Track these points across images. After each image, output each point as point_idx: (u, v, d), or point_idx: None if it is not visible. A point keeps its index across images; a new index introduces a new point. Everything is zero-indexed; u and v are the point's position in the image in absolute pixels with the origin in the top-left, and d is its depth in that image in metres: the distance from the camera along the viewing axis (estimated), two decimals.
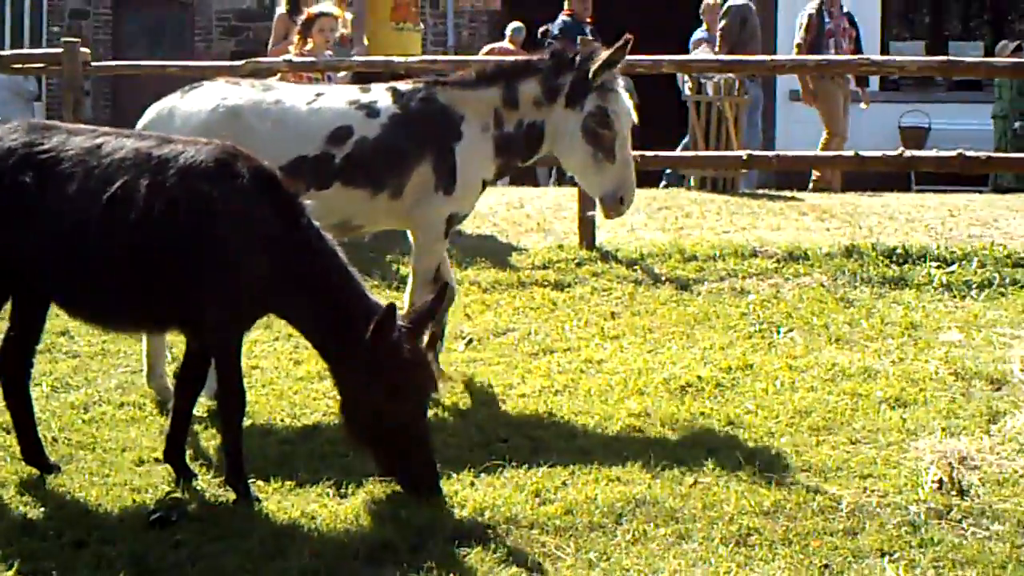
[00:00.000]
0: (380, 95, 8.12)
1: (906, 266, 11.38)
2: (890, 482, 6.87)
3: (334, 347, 6.61)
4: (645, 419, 7.88)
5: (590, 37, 17.11)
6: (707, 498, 6.68)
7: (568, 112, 7.96)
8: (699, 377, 8.53)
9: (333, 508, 6.58)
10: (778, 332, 9.55)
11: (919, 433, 7.56)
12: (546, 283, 10.82)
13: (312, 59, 12.74)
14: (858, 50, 16.34)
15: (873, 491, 6.78)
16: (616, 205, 8.12)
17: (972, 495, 6.71)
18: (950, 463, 6.96)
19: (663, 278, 10.98)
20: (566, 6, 18.18)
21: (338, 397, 6.75)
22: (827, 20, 16.70)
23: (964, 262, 11.56)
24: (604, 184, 8.07)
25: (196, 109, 7.97)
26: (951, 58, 14.90)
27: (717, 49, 16.81)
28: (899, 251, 11.80)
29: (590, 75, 7.86)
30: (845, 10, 17.02)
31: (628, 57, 13.95)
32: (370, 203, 8.00)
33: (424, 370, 6.64)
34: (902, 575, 5.83)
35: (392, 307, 6.40)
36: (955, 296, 10.60)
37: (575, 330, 9.76)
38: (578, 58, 7.99)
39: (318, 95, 8.17)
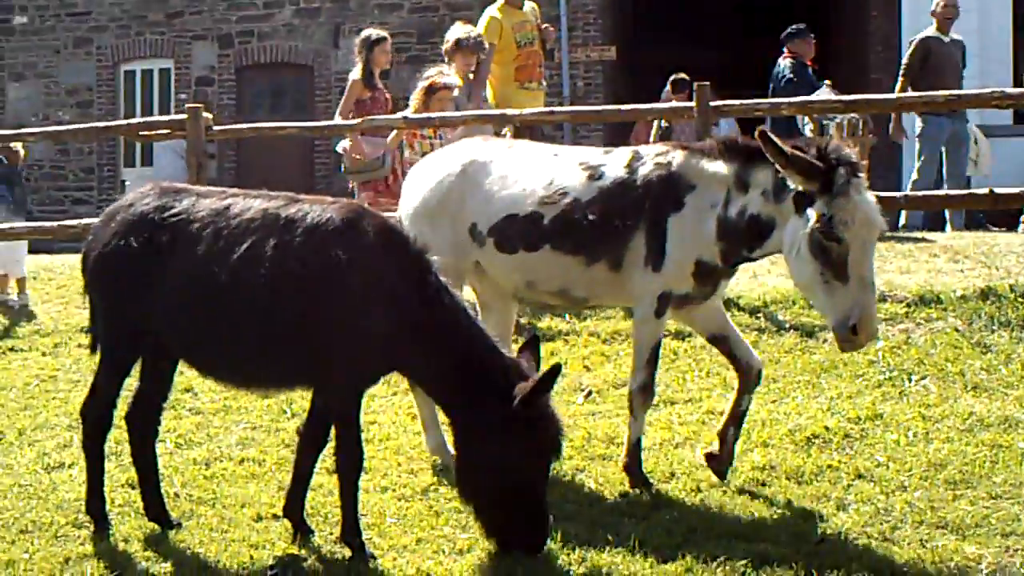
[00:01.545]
0: (616, 157, 7.49)
1: None
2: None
3: (462, 403, 6.52)
4: (770, 472, 7.64)
5: (820, 83, 17.03)
6: (836, 556, 6.42)
7: (796, 218, 6.77)
8: (826, 428, 8.26)
9: (448, 566, 6.46)
10: (909, 380, 9.22)
11: None
12: (667, 332, 10.55)
13: (427, 115, 12.74)
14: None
15: (1017, 550, 6.48)
16: (849, 336, 6.71)
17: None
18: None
19: (787, 325, 10.65)
20: (786, 49, 17.71)
21: (458, 453, 6.63)
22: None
23: None
24: (834, 309, 6.72)
25: (439, 163, 8.00)
26: None
27: (899, 86, 16.33)
28: None
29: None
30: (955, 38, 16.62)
31: (747, 101, 13.93)
32: (586, 273, 7.41)
33: (559, 431, 6.60)
34: None
35: (558, 368, 6.50)
36: None
37: (696, 380, 9.53)
38: (817, 156, 6.71)
39: (555, 155, 7.72)
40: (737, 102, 14.08)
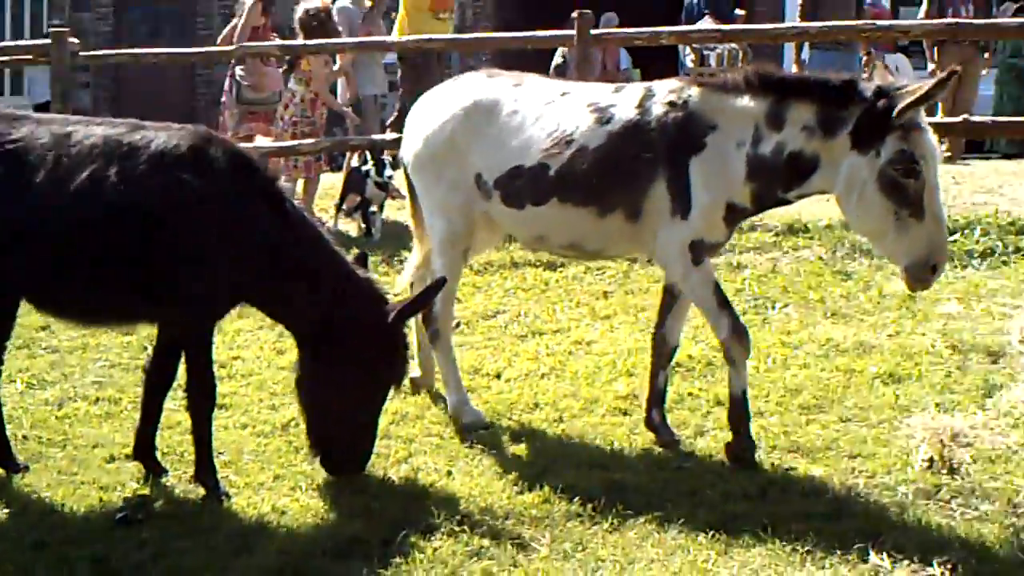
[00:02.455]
0: (626, 97, 6.89)
1: None
2: (879, 462, 6.68)
3: (319, 325, 6.47)
4: (632, 401, 7.69)
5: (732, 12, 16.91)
6: (690, 483, 6.52)
7: (856, 157, 6.30)
8: (690, 356, 8.33)
9: (304, 503, 6.42)
10: (773, 307, 9.35)
11: (912, 410, 7.36)
12: (539, 263, 10.61)
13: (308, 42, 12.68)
14: (988, 15, 15.80)
15: (861, 472, 6.60)
16: (927, 274, 6.37)
17: (963, 473, 6.52)
18: (941, 440, 6.76)
19: None
20: None
21: (303, 370, 6.62)
22: None
23: (966, 231, 11.30)
24: (913, 249, 6.28)
25: (441, 103, 7.47)
26: (959, 20, 14.59)
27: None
28: None
29: (894, 113, 6.16)
30: None
31: (627, 30, 13.92)
32: (600, 224, 6.88)
33: (407, 358, 6.70)
34: (886, 560, 5.62)
35: (441, 282, 6.64)
36: (956, 266, 10.36)
37: (566, 311, 9.57)
38: (869, 91, 6.35)
39: (562, 94, 7.12)
40: (618, 31, 14.11)
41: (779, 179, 6.56)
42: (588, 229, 6.93)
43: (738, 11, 18.02)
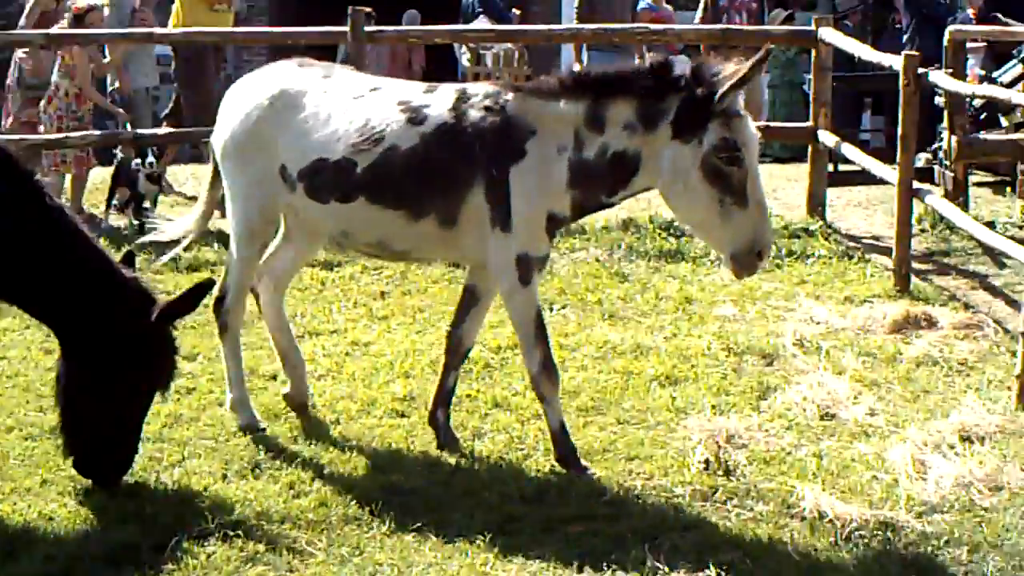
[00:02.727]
0: (440, 97, 6.66)
1: (683, 239, 11.30)
2: (656, 464, 6.73)
3: (79, 322, 6.26)
4: (410, 403, 7.63)
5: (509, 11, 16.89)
6: (468, 485, 6.49)
7: (679, 146, 6.20)
8: (468, 358, 8.26)
9: (73, 508, 6.24)
10: (551, 309, 9.38)
11: (689, 411, 7.45)
12: (315, 263, 10.47)
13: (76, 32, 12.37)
14: (760, 22, 16.06)
15: (638, 474, 6.64)
16: (753, 261, 6.34)
17: (738, 475, 6.61)
18: (717, 442, 6.86)
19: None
20: None
21: (63, 371, 6.39)
22: None
23: None
24: (737, 236, 6.24)
25: (249, 92, 7.17)
26: (728, 26, 14.89)
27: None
28: (676, 224, 11.72)
29: (716, 98, 6.11)
30: None
31: (400, 28, 13.87)
32: (410, 228, 6.64)
33: (173, 359, 6.47)
34: (663, 561, 5.65)
35: (208, 284, 6.42)
36: None
37: (343, 311, 9.48)
38: (687, 77, 6.28)
39: (372, 89, 6.88)
40: (392, 28, 14.03)
41: (604, 184, 6.45)
42: (397, 231, 6.71)
43: (514, 11, 18.08)
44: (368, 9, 12.41)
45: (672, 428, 7.22)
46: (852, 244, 11.63)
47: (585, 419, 7.34)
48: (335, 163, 6.69)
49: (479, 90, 6.67)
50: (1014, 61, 15.03)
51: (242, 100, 7.16)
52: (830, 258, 10.94)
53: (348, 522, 6.09)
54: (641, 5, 16.63)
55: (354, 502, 6.24)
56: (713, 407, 7.47)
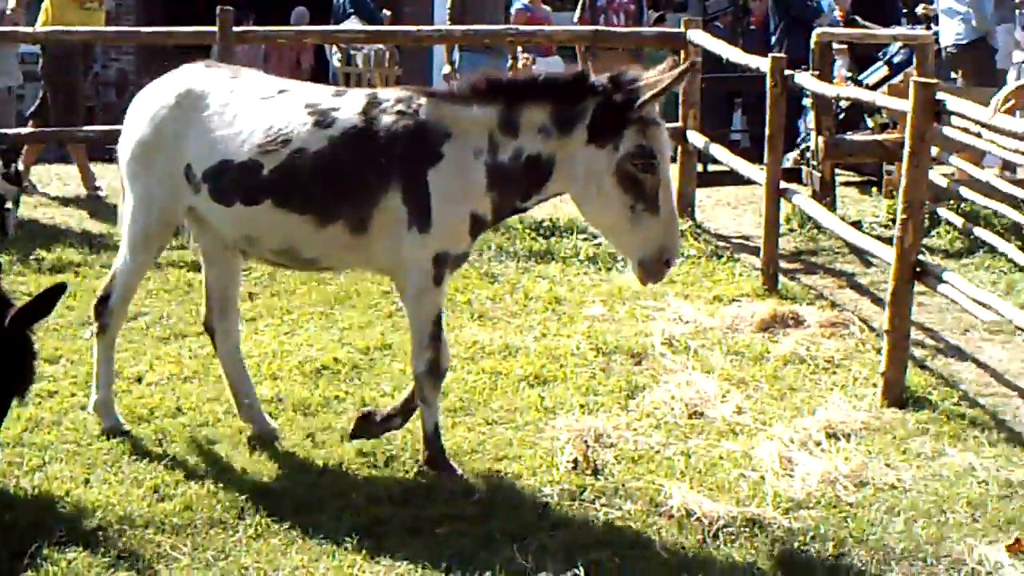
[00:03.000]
0: (349, 101, 6.56)
1: (553, 239, 11.33)
2: (525, 463, 6.72)
3: None
4: (278, 404, 7.55)
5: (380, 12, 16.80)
6: (336, 487, 6.43)
7: (595, 151, 6.20)
8: (336, 359, 8.26)
9: None
10: None
11: (557, 411, 7.44)
12: (183, 264, 10.35)
13: None
14: (638, 23, 16.08)
15: (507, 473, 6.63)
16: (661, 268, 6.36)
17: (606, 474, 6.61)
18: (586, 441, 6.86)
19: None
20: None
21: None
22: None
23: None
24: (647, 243, 6.25)
25: (157, 92, 6.97)
26: (599, 27, 14.93)
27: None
28: (547, 224, 11.80)
29: (635, 106, 6.11)
30: None
31: (270, 28, 13.78)
32: (319, 234, 6.50)
33: (30, 364, 6.28)
34: (531, 561, 5.64)
35: (60, 288, 6.11)
36: (600, 269, 10.62)
37: None
38: (605, 83, 6.25)
39: (280, 91, 6.74)
40: (260, 29, 13.92)
41: (518, 188, 6.41)
42: (305, 237, 6.56)
43: (385, 12, 18.01)
44: (231, 8, 12.26)
45: (541, 428, 7.22)
46: (721, 244, 11.73)
47: (454, 419, 7.31)
48: (240, 164, 6.53)
49: (390, 95, 6.59)
50: (879, 63, 15.28)
51: (149, 102, 6.97)
52: (699, 258, 11.02)
53: (213, 525, 6.01)
54: (516, 6, 16.67)
55: (220, 505, 6.16)
56: (582, 407, 7.48)
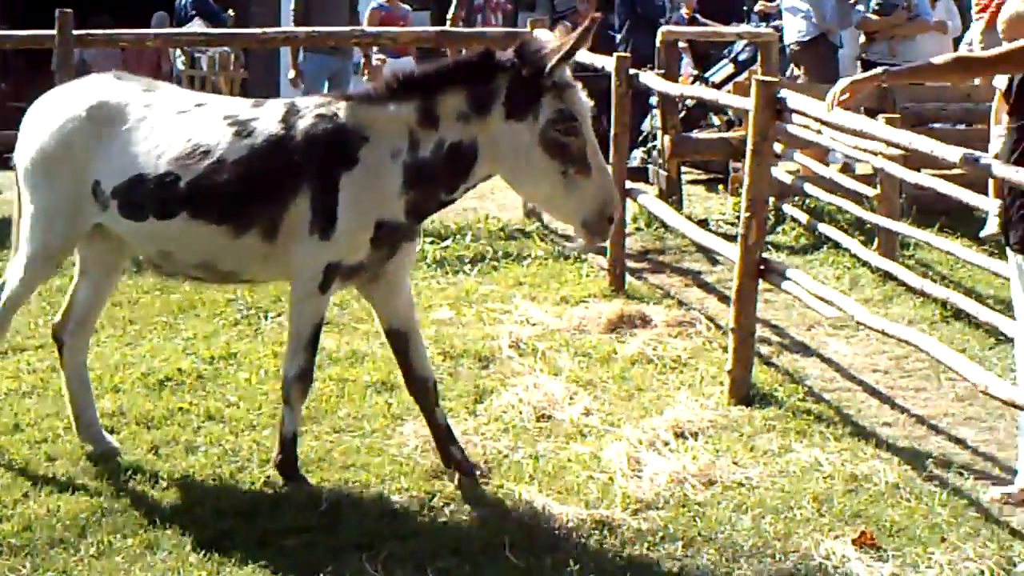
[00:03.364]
0: (268, 111, 6.42)
1: None
2: (373, 471, 6.66)
3: None
4: (120, 418, 7.40)
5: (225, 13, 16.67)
6: (181, 501, 6.32)
7: (515, 125, 6.12)
8: (179, 370, 8.12)
9: None
10: (266, 318, 9.24)
11: (405, 417, 7.39)
12: None
13: None
14: (514, 23, 16.05)
15: (356, 482, 6.56)
16: (605, 226, 6.24)
17: (456, 479, 6.55)
18: (433, 446, 6.79)
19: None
20: None
21: None
22: None
23: (458, 236, 11.58)
24: (585, 204, 6.16)
25: (62, 103, 6.67)
26: (447, 29, 14.95)
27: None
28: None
29: (546, 72, 6.03)
30: None
31: (110, 32, 13.53)
32: (235, 244, 6.35)
33: None
34: (381, 571, 5.59)
35: None
36: (448, 272, 10.60)
37: (49, 324, 9.08)
38: (512, 55, 6.18)
39: (197, 105, 6.58)
40: (101, 32, 13.68)
41: (443, 181, 6.32)
42: (221, 248, 6.40)
43: (229, 12, 17.82)
44: (70, 11, 12.02)
45: (388, 435, 7.16)
46: (568, 245, 11.74)
47: (301, 428, 7.20)
48: (156, 178, 6.33)
49: (309, 102, 6.46)
50: (725, 61, 15.44)
51: (52, 113, 6.69)
52: (546, 259, 11.04)
53: (54, 545, 5.86)
54: (371, 5, 16.60)
55: (60, 524, 6.02)
56: None
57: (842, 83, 6.51)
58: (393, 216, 6.29)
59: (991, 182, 6.56)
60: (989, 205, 6.36)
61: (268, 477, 6.54)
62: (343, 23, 15.14)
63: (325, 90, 15.70)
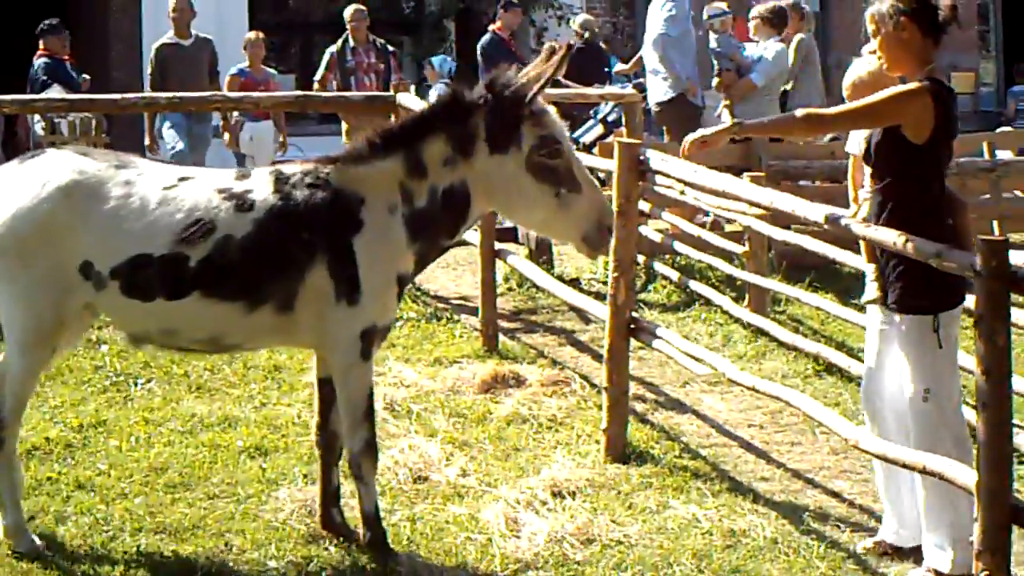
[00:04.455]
0: (259, 181, 6.28)
1: None
2: (249, 537, 6.55)
3: None
4: None
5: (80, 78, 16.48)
6: (47, 573, 6.16)
7: (500, 158, 6.17)
8: (47, 439, 7.93)
9: None
10: (136, 384, 9.08)
11: (280, 482, 7.29)
12: None
13: None
14: (386, 86, 15.97)
15: (231, 548, 6.45)
16: (604, 236, 6.34)
17: (333, 544, 6.47)
18: (310, 512, 6.71)
19: None
20: (41, 46, 17.03)
21: None
22: (349, 57, 16.59)
23: None
24: (582, 220, 6.24)
25: (27, 182, 6.30)
26: (307, 93, 14.92)
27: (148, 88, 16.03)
28: None
29: (526, 101, 6.11)
30: (378, 43, 16.97)
31: None
32: (247, 318, 6.21)
33: None
34: None
35: None
36: None
37: None
38: (483, 91, 6.22)
39: (182, 179, 6.34)
40: None
41: (443, 227, 6.33)
42: (233, 323, 6.25)
43: (84, 76, 17.59)
44: None
45: (263, 500, 7.05)
46: (441, 305, 11.73)
47: (173, 495, 7.10)
48: (162, 258, 6.12)
49: (294, 169, 6.34)
50: (593, 121, 15.56)
51: (19, 192, 6.31)
52: (419, 320, 11.00)
53: None
54: (231, 70, 16.53)
55: None
56: (304, 476, 7.34)
57: (694, 135, 6.59)
58: (407, 269, 6.34)
59: (863, 246, 6.63)
60: (866, 270, 6.44)
61: (140, 547, 6.41)
62: (203, 88, 15.12)
63: (186, 153, 15.62)
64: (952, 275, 5.65)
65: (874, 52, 6.47)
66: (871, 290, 6.41)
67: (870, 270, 6.43)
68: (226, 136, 16.68)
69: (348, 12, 16.97)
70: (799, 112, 6.62)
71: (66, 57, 17.43)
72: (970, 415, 6.31)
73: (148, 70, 16.00)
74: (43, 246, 6.20)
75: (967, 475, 5.23)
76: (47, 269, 6.21)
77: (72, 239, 6.19)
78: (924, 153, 6.03)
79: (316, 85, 16.52)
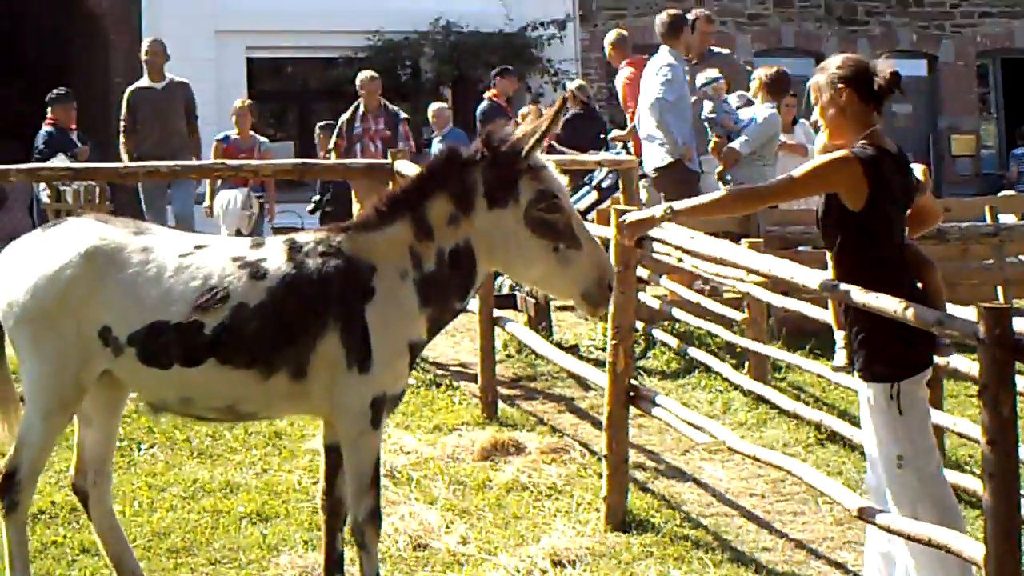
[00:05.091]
0: (273, 250, 6.30)
1: None
2: None
3: None
4: None
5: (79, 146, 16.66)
6: None
7: (498, 212, 6.17)
8: (53, 502, 7.99)
9: None
10: (139, 449, 9.12)
11: (281, 548, 7.34)
12: None
13: None
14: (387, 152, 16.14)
15: None
16: (605, 293, 6.27)
17: None
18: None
19: None
20: (49, 113, 17.27)
21: None
22: (358, 124, 16.74)
23: None
24: (581, 277, 6.19)
25: (49, 249, 6.38)
26: (307, 160, 14.98)
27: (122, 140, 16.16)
28: None
29: (522, 155, 6.11)
30: (390, 108, 17.12)
31: None
32: (262, 386, 6.19)
33: None
34: None
35: None
36: None
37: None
38: (479, 147, 6.25)
39: (197, 247, 6.39)
40: None
41: (454, 289, 6.29)
42: (248, 391, 6.22)
43: (82, 145, 17.74)
44: None
45: (264, 566, 7.09)
46: (440, 372, 11.77)
47: (176, 561, 7.15)
48: (178, 325, 6.14)
49: (307, 238, 6.38)
50: (588, 188, 15.61)
51: (40, 260, 6.39)
52: (418, 387, 11.02)
53: None
54: (216, 137, 16.68)
55: None
56: (305, 543, 7.37)
57: (630, 217, 6.65)
58: (419, 335, 6.28)
59: (831, 312, 6.63)
60: (836, 337, 6.45)
61: None
62: (178, 131, 15.48)
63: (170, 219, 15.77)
64: (914, 341, 5.66)
65: (815, 123, 6.51)
66: (840, 357, 6.41)
67: (839, 337, 6.43)
68: (206, 202, 16.84)
69: (360, 78, 17.03)
70: (728, 190, 6.59)
71: (72, 126, 17.59)
72: (963, 480, 6.34)
73: (122, 114, 16.04)
74: (65, 312, 6.25)
75: (974, 548, 5.12)
76: (72, 336, 6.25)
77: (92, 305, 6.23)
78: (865, 219, 5.96)
79: (333, 154, 16.64)
